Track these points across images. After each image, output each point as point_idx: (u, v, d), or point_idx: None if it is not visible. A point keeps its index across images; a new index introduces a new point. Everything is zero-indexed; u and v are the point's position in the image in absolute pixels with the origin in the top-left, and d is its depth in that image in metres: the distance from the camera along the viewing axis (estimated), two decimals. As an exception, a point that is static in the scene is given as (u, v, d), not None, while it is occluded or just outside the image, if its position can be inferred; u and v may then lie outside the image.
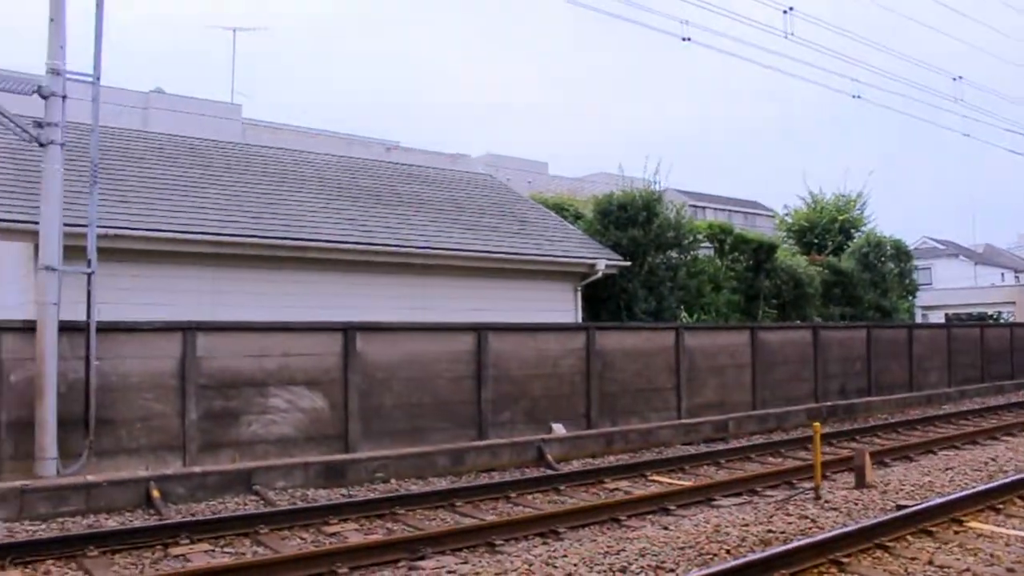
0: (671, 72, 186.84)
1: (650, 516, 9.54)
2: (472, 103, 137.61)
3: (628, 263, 18.23)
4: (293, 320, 12.42)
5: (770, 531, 7.97)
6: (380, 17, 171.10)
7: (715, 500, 10.29)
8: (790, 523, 8.30)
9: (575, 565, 6.90)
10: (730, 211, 60.94)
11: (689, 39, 15.76)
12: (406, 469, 11.74)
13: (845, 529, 7.67)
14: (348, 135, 40.96)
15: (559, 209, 21.77)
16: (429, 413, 13.04)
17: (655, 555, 7.16)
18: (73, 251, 10.82)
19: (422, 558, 7.59)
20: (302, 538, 8.60)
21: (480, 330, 13.68)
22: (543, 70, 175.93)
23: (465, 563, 7.35)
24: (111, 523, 9.15)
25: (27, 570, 7.41)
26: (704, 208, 59.15)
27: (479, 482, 11.40)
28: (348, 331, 12.39)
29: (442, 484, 11.37)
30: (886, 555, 7.32)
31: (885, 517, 8.10)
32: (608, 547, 7.46)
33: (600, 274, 17.38)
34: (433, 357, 13.18)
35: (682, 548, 7.39)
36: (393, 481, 11.46)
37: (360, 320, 12.95)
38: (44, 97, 10.47)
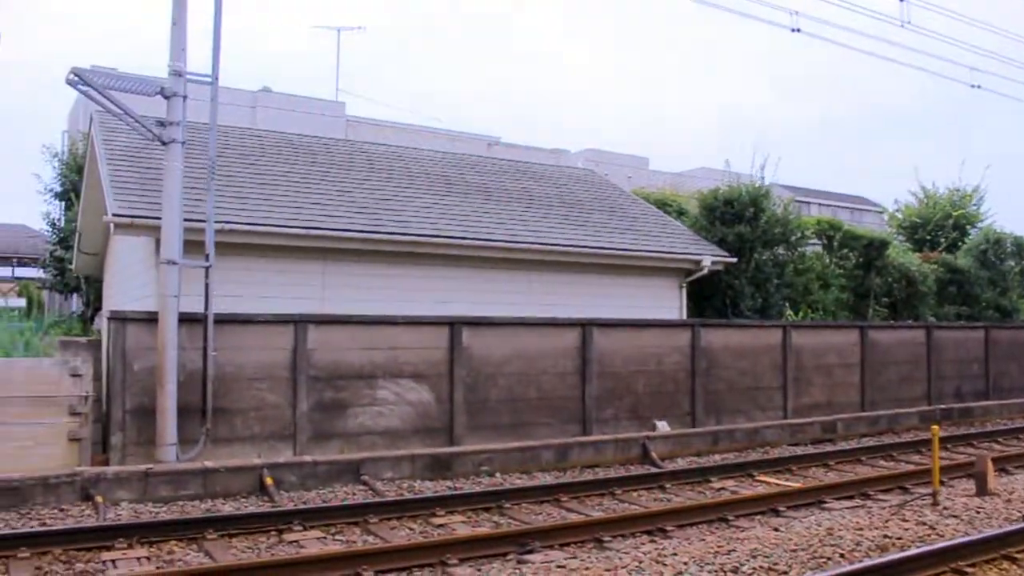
0: (779, 64, 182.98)
1: (759, 517, 9.38)
2: (572, 98, 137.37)
3: (734, 259, 17.92)
4: (400, 314, 12.61)
5: (886, 536, 7.72)
6: (479, 14, 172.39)
7: (826, 503, 10.04)
8: (907, 529, 8.02)
9: (685, 564, 6.82)
10: (835, 206, 59.36)
11: (799, 30, 15.38)
12: (511, 463, 11.80)
13: (968, 538, 7.38)
14: (450, 131, 41.34)
15: (661, 204, 21.56)
16: (533, 408, 13.10)
17: (767, 556, 7.03)
18: (191, 245, 11.20)
19: (530, 552, 7.61)
20: (410, 528, 8.73)
21: (585, 326, 13.66)
22: (640, 64, 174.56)
23: (573, 558, 7.33)
24: (227, 508, 9.48)
25: (152, 549, 7.74)
26: (808, 203, 57.75)
27: (584, 478, 11.38)
28: (455, 325, 12.52)
29: (547, 479, 11.40)
30: (1013, 567, 7.02)
31: (1012, 527, 7.75)
32: (718, 547, 7.35)
33: (706, 271, 17.13)
34: (538, 352, 13.22)
35: (794, 550, 7.24)
36: (498, 475, 11.53)
37: (466, 314, 13.07)
38: (166, 97, 10.88)
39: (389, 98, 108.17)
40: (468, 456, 11.58)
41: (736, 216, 19.11)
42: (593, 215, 18.16)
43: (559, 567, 6.88)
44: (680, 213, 21.32)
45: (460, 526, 8.82)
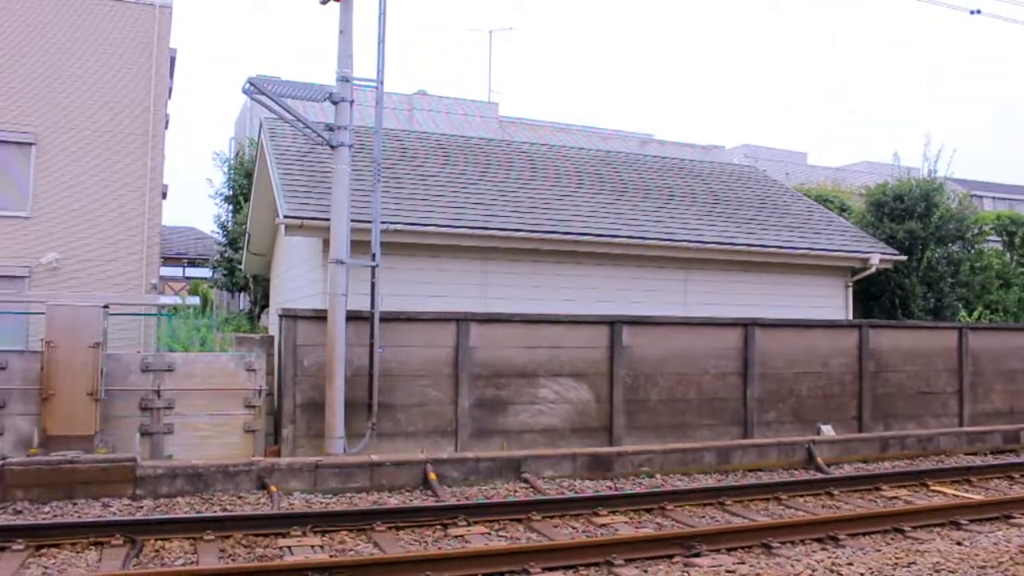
0: (949, 50, 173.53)
1: (938, 529, 8.87)
2: (725, 94, 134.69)
3: (904, 257, 17.13)
4: (556, 311, 12.62)
5: (1089, 558, 7.15)
6: (630, 10, 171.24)
7: (1013, 517, 9.39)
8: (1115, 551, 7.40)
9: (862, 575, 6.53)
10: (1011, 199, 55.76)
11: (979, 11, 14.47)
12: (671, 464, 11.61)
13: None
14: (602, 129, 41.19)
15: (822, 200, 20.88)
16: (693, 409, 12.87)
17: (951, 572, 6.64)
18: (357, 245, 11.56)
19: (697, 555, 7.46)
20: (573, 527, 8.70)
21: (747, 326, 13.33)
22: (799, 57, 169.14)
23: (742, 563, 7.13)
24: (393, 501, 9.70)
25: (324, 538, 7.99)
26: (981, 197, 54.49)
27: (747, 481, 11.08)
28: (615, 324, 12.45)
29: (708, 481, 11.16)
30: None
31: None
32: (896, 559, 7.00)
33: (873, 269, 16.43)
34: (698, 352, 12.98)
35: (982, 567, 6.80)
36: (658, 476, 11.37)
37: (625, 313, 12.97)
38: (334, 103, 11.26)
39: (540, 97, 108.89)
40: (628, 456, 11.46)
41: (906, 212, 18.27)
42: (753, 212, 17.70)
43: (728, 572, 6.71)
44: (842, 209, 20.58)
45: (623, 526, 8.73)
